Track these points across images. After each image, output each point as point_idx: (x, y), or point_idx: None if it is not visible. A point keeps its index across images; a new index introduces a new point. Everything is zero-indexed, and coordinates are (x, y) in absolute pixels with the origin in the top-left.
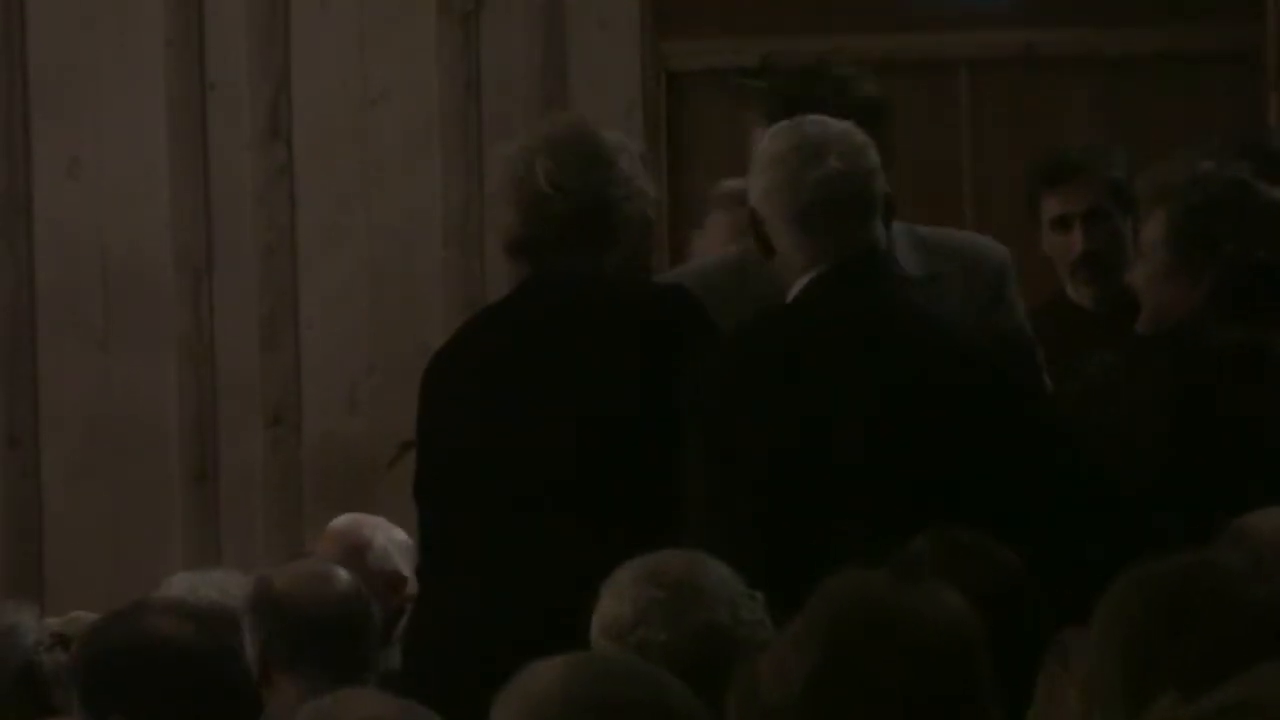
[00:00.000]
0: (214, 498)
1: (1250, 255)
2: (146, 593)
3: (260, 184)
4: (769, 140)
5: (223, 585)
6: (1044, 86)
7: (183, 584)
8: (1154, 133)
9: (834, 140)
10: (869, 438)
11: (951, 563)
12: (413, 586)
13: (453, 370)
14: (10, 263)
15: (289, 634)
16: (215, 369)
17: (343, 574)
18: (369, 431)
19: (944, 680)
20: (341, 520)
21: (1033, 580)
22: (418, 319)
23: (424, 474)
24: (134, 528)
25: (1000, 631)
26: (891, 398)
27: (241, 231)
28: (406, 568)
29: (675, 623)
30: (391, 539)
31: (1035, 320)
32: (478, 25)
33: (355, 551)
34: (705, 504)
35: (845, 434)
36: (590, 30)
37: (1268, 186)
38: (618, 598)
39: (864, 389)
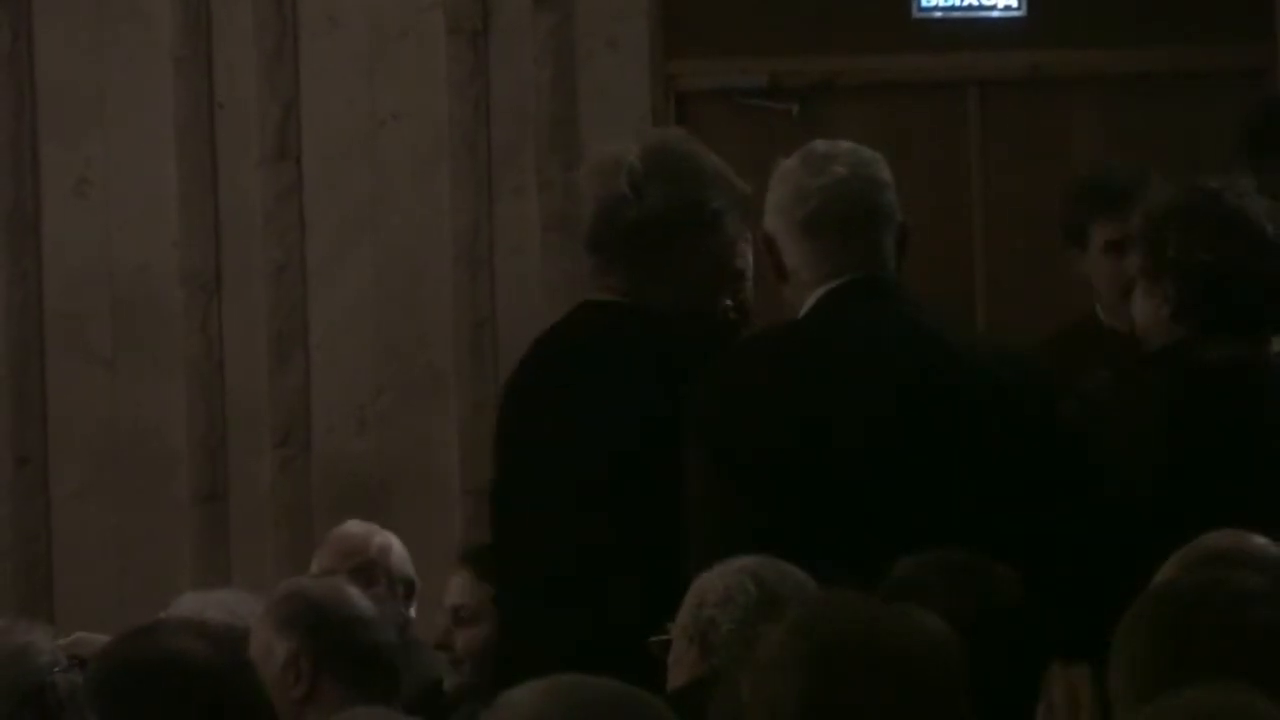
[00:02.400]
0: (223, 518)
1: (1195, 259)
2: (156, 613)
3: (269, 204)
4: (784, 162)
5: (231, 606)
6: (1051, 106)
7: (190, 605)
8: (1161, 151)
9: (841, 153)
10: (872, 453)
11: (950, 582)
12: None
13: (513, 383)
14: (18, 282)
15: (345, 648)
16: (224, 389)
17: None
18: (378, 451)
19: (930, 708)
20: (354, 526)
21: (1032, 598)
22: (426, 340)
23: (494, 488)
24: (143, 548)
25: (999, 651)
26: (896, 415)
27: (250, 252)
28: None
29: (748, 622)
30: (397, 547)
31: (1064, 342)
32: (487, 46)
33: (381, 553)
34: (706, 516)
35: (848, 449)
36: (599, 50)
37: (1239, 194)
38: (721, 575)
39: (869, 406)
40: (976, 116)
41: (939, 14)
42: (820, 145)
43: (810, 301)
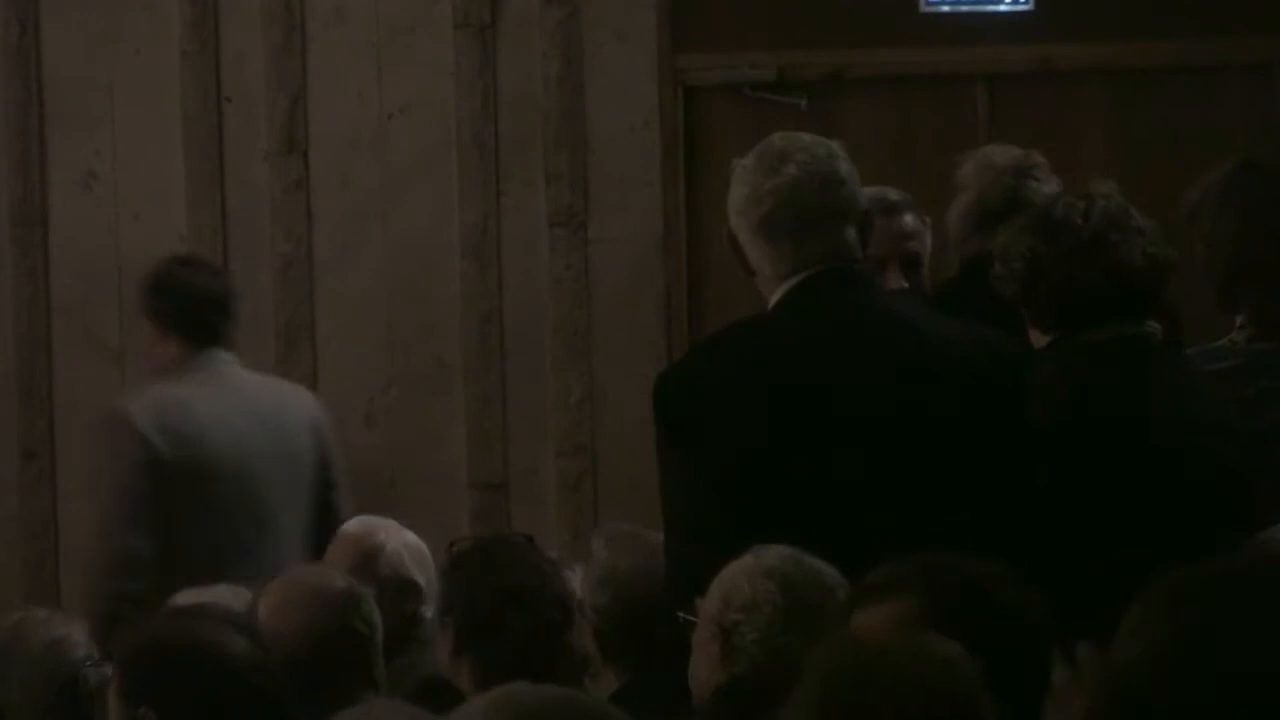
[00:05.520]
0: None
1: (1013, 265)
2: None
3: (276, 197)
4: (746, 156)
5: (227, 602)
6: (1060, 100)
7: (187, 601)
8: (1170, 145)
9: (796, 150)
10: (845, 445)
11: (935, 584)
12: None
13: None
14: (26, 275)
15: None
16: None
17: (335, 588)
18: (385, 445)
19: None
20: (353, 524)
21: (1022, 595)
22: (434, 333)
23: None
24: None
25: (997, 650)
26: (868, 405)
27: (258, 245)
28: (420, 573)
29: (772, 632)
30: (404, 543)
31: None
32: (495, 39)
33: (367, 557)
34: (682, 514)
35: (820, 442)
36: (607, 44)
37: (1084, 198)
38: (748, 574)
39: (839, 397)
40: (985, 110)
41: (947, 7)
42: (777, 141)
43: (775, 296)
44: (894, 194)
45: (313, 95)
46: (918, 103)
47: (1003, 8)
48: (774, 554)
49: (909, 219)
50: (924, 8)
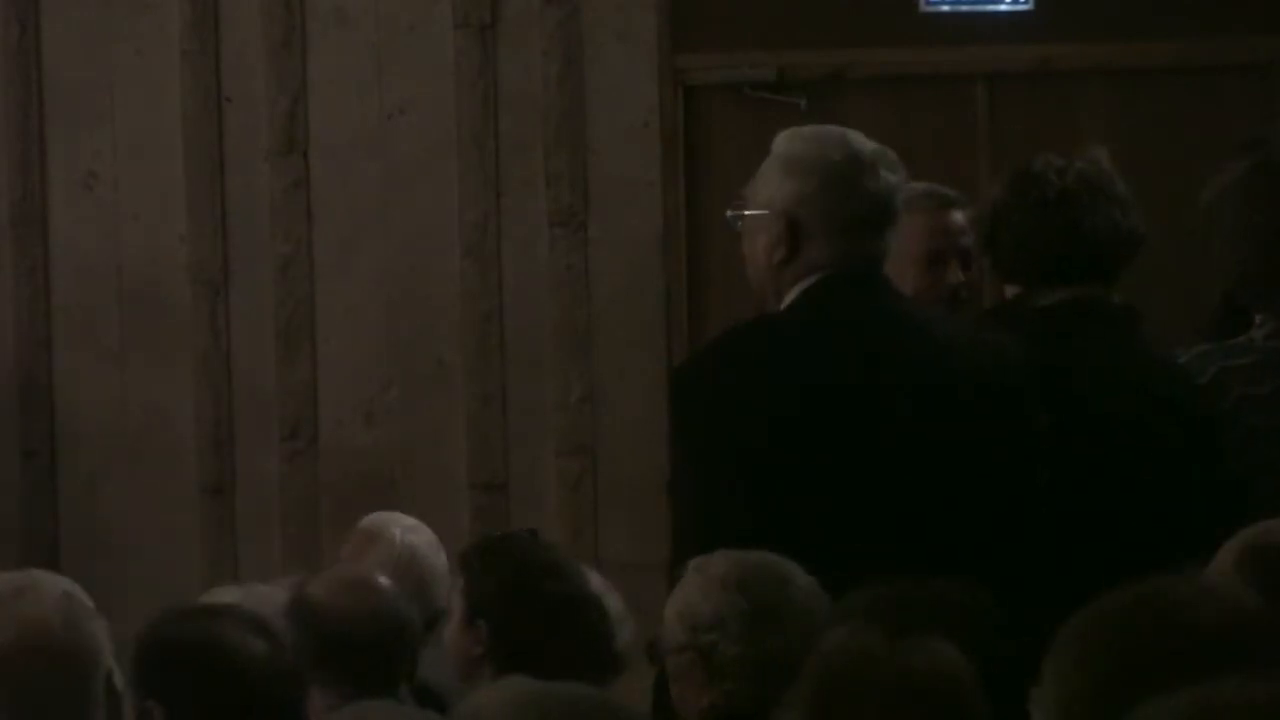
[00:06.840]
0: (230, 511)
1: (984, 210)
2: (164, 607)
3: (277, 197)
4: (804, 144)
5: (259, 602)
6: (1060, 100)
7: (227, 597)
8: (1170, 145)
9: (880, 153)
10: (847, 446)
11: (917, 610)
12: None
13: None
14: (26, 276)
15: (319, 645)
16: (231, 382)
17: (383, 584)
18: (385, 445)
19: None
20: (364, 520)
21: (1002, 622)
22: (434, 333)
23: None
24: (150, 541)
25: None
26: (882, 405)
27: (258, 245)
28: (431, 577)
29: (749, 640)
30: (406, 540)
31: None
32: (495, 39)
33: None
34: (688, 507)
35: (822, 443)
36: (607, 44)
37: (1069, 158)
38: (703, 592)
39: (843, 398)
40: (985, 110)
41: (947, 7)
42: (855, 141)
43: (789, 296)
44: (947, 190)
45: (313, 95)
46: (918, 103)
47: (1003, 8)
48: (718, 563)
49: (960, 215)
50: (924, 8)
